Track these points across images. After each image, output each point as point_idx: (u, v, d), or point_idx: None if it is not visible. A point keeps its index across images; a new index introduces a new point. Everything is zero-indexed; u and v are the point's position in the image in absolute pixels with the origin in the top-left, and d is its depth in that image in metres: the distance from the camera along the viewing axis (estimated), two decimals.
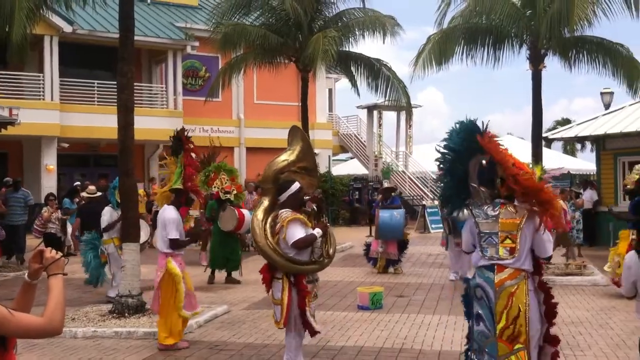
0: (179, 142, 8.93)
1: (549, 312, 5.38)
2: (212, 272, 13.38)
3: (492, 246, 5.34)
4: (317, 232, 6.51)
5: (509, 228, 5.30)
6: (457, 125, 5.54)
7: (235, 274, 13.47)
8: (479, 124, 5.51)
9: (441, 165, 5.72)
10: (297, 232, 6.35)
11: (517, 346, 5.19)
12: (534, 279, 5.35)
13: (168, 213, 8.25)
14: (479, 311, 5.35)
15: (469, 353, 5.58)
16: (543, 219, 5.24)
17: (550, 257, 5.58)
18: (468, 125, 5.50)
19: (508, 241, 5.29)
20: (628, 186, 11.37)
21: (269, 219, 6.58)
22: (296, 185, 6.59)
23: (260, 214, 6.63)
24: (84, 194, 14.60)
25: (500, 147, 5.39)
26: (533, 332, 5.27)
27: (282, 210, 6.50)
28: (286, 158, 6.95)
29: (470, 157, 5.51)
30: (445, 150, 5.63)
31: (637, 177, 11.31)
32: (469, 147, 5.45)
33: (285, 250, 6.42)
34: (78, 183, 18.50)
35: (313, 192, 17.67)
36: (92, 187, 14.50)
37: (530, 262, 5.35)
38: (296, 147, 7.03)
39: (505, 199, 5.40)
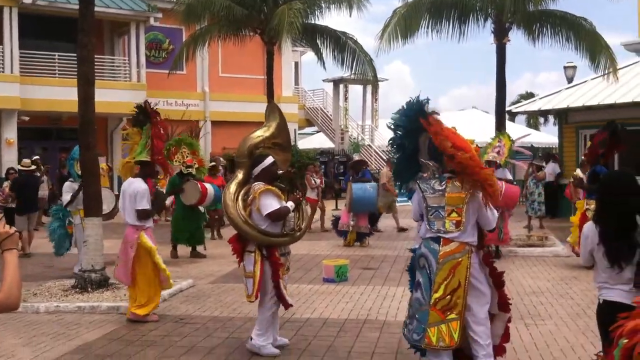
0: (144, 113, 8.79)
1: (497, 282, 5.57)
2: (174, 247, 13.28)
3: (439, 219, 5.48)
4: (290, 204, 6.60)
5: (455, 202, 5.43)
6: (405, 105, 5.65)
7: (199, 248, 13.42)
8: (424, 103, 5.63)
9: (392, 142, 5.88)
10: (271, 203, 6.40)
11: (450, 316, 5.36)
12: (478, 253, 5.50)
13: (138, 184, 8.15)
14: (420, 279, 5.52)
15: (406, 320, 5.71)
16: (484, 195, 5.36)
17: (493, 230, 5.72)
18: (415, 105, 5.63)
19: (454, 215, 5.43)
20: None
21: (242, 192, 6.59)
22: (270, 159, 6.65)
23: (233, 186, 6.67)
24: (18, 167, 14.45)
25: (440, 129, 5.43)
26: (480, 303, 5.44)
27: (255, 183, 6.52)
28: (261, 134, 7.03)
29: (420, 133, 5.62)
30: (395, 128, 5.79)
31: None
32: (417, 125, 5.54)
33: (257, 222, 6.45)
34: (37, 157, 18.16)
35: (314, 166, 17.69)
36: (26, 161, 14.46)
37: (475, 235, 5.51)
38: (272, 123, 7.14)
39: (451, 173, 5.51)
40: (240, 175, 6.77)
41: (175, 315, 8.44)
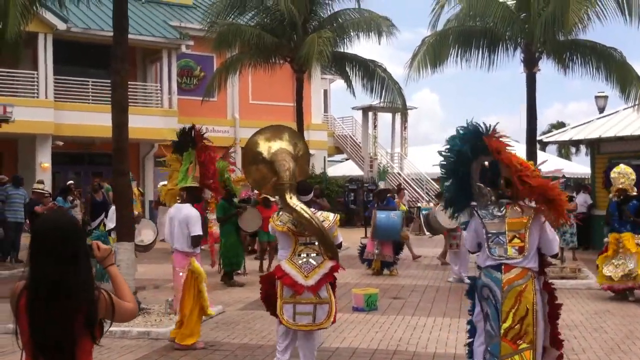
0: (189, 138, 8.70)
1: (552, 314, 5.42)
2: (228, 274, 13.13)
3: (500, 246, 5.36)
4: None
5: (516, 227, 5.34)
6: (462, 128, 5.55)
7: (237, 277, 13.34)
8: (482, 126, 5.53)
9: (444, 168, 5.72)
10: (339, 233, 6.56)
11: (522, 346, 5.21)
12: (539, 279, 5.39)
13: (188, 210, 8.12)
14: (487, 310, 5.38)
15: (471, 343, 5.63)
16: (550, 216, 5.29)
17: (557, 255, 5.63)
18: (472, 128, 5.50)
19: (516, 240, 5.32)
20: (632, 192, 11.43)
21: None
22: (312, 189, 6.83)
23: (305, 207, 6.48)
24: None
25: (507, 147, 5.40)
26: (540, 332, 5.31)
27: (316, 210, 6.59)
28: (291, 158, 6.84)
29: (473, 159, 5.52)
30: (448, 153, 5.64)
31: (627, 180, 11.40)
32: (472, 149, 5.45)
33: None
34: (71, 182, 18.42)
35: None
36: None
37: (536, 261, 5.39)
38: (293, 143, 6.98)
39: (509, 199, 5.43)
40: (295, 196, 6.57)
41: (205, 341, 8.41)
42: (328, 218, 6.44)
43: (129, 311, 3.31)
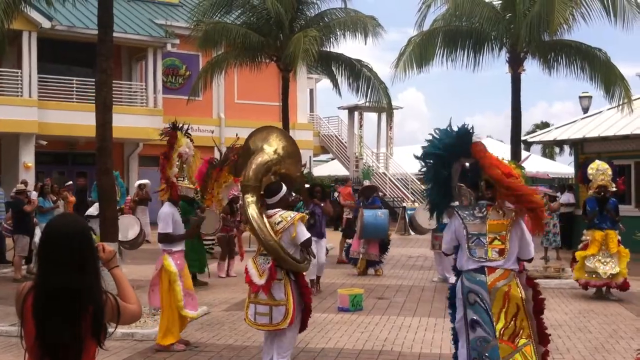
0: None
1: (537, 307, 5.42)
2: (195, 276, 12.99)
3: (481, 247, 5.33)
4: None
5: (497, 229, 5.30)
6: (441, 132, 5.47)
7: (200, 276, 13.16)
8: (461, 128, 5.48)
9: (425, 172, 5.61)
10: (305, 231, 6.40)
11: (521, 342, 5.16)
12: (522, 276, 5.39)
13: (162, 209, 8.22)
14: (474, 317, 5.28)
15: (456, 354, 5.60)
16: (532, 222, 5.27)
17: (531, 259, 5.62)
18: (459, 132, 5.42)
19: (497, 242, 5.29)
20: (612, 188, 11.56)
21: (264, 218, 6.46)
22: (285, 188, 6.61)
23: (256, 211, 6.47)
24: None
25: (489, 156, 5.35)
26: (533, 325, 5.30)
27: (279, 210, 6.44)
28: (268, 158, 6.83)
29: (453, 161, 5.49)
30: (427, 158, 5.57)
31: (606, 177, 11.52)
32: (452, 152, 5.42)
33: (286, 247, 6.36)
34: (70, 182, 18.28)
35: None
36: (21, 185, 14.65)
37: (516, 262, 5.39)
38: (278, 145, 6.93)
39: (489, 200, 5.41)
40: (253, 199, 6.59)
41: (190, 342, 8.38)
42: (286, 219, 6.31)
43: (134, 314, 3.36)
